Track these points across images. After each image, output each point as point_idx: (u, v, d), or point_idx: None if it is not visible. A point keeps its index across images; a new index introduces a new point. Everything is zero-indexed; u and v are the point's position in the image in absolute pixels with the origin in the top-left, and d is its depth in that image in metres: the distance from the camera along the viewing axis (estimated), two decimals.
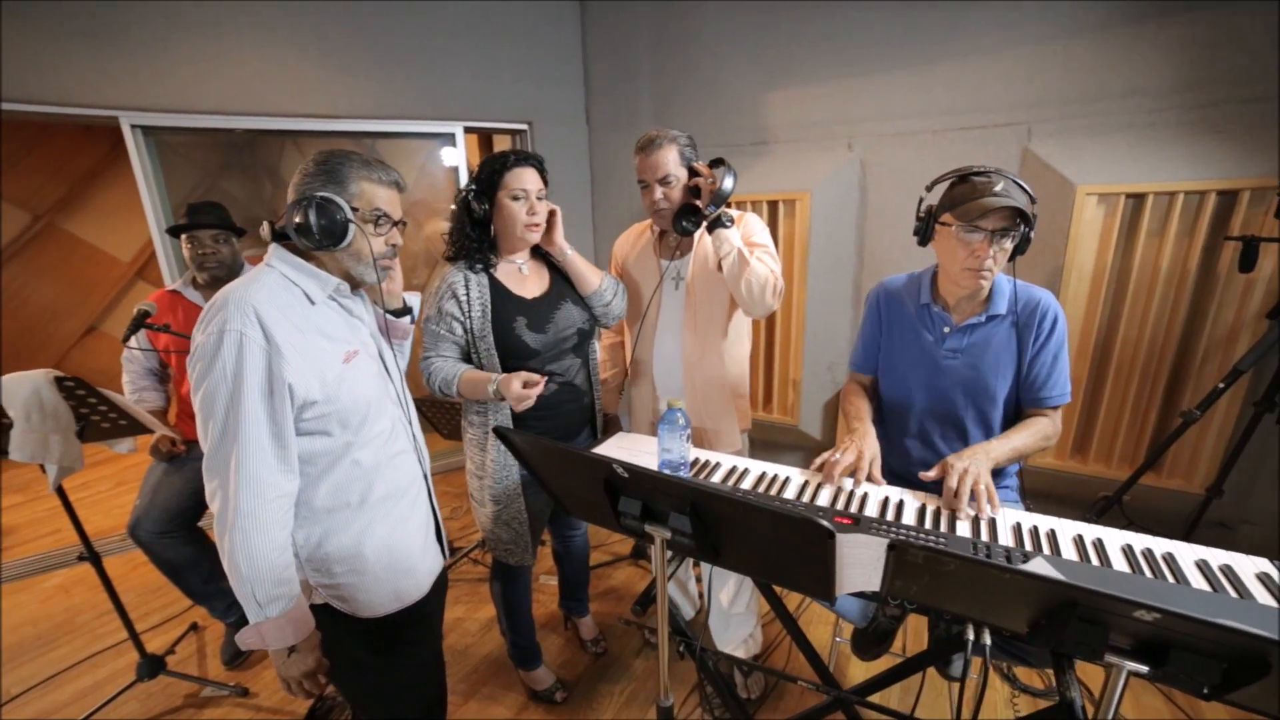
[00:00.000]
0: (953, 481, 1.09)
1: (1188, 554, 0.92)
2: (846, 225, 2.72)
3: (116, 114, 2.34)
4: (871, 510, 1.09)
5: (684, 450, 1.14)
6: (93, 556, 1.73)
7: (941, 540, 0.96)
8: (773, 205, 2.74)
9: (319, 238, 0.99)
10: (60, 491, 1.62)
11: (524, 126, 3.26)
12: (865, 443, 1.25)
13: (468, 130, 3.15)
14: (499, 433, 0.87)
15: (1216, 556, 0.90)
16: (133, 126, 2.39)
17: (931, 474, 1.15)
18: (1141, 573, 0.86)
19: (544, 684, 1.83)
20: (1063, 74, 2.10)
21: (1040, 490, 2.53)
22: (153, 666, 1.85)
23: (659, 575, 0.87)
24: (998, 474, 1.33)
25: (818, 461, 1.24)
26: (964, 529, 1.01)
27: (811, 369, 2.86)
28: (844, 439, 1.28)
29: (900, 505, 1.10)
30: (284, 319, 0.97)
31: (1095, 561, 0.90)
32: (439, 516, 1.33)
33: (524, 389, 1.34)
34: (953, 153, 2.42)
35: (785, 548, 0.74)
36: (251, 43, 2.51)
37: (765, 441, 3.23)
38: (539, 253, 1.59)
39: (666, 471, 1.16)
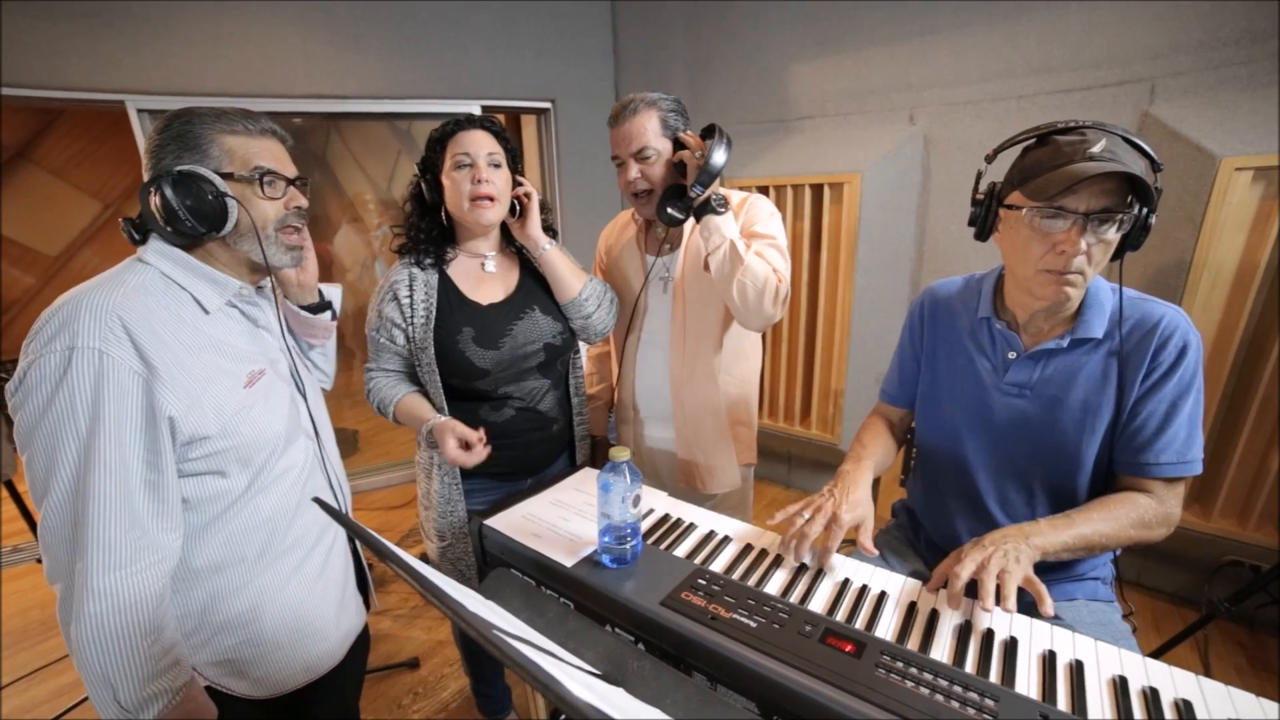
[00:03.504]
0: (963, 569, 0.74)
1: None
2: (905, 213, 2.29)
3: (122, 98, 2.29)
4: (886, 625, 0.76)
5: (628, 514, 0.85)
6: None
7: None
8: (816, 189, 2.34)
9: (192, 224, 0.76)
10: (11, 487, 1.54)
11: (547, 105, 3.01)
12: (846, 499, 0.90)
13: (486, 109, 2.93)
14: (320, 503, 0.62)
15: None
16: (139, 111, 2.33)
17: (940, 578, 0.80)
18: None
19: None
20: (1212, 6, 1.59)
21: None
22: None
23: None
24: (1079, 561, 0.95)
25: (779, 516, 0.92)
26: (1027, 678, 0.66)
27: (857, 380, 2.46)
28: (824, 489, 0.94)
29: (932, 620, 0.75)
30: (163, 332, 0.75)
31: None
32: (363, 560, 1.11)
33: (462, 451, 1.10)
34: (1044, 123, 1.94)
35: None
36: (256, 21, 2.39)
37: (802, 459, 2.87)
38: (515, 246, 1.32)
39: (608, 541, 0.88)
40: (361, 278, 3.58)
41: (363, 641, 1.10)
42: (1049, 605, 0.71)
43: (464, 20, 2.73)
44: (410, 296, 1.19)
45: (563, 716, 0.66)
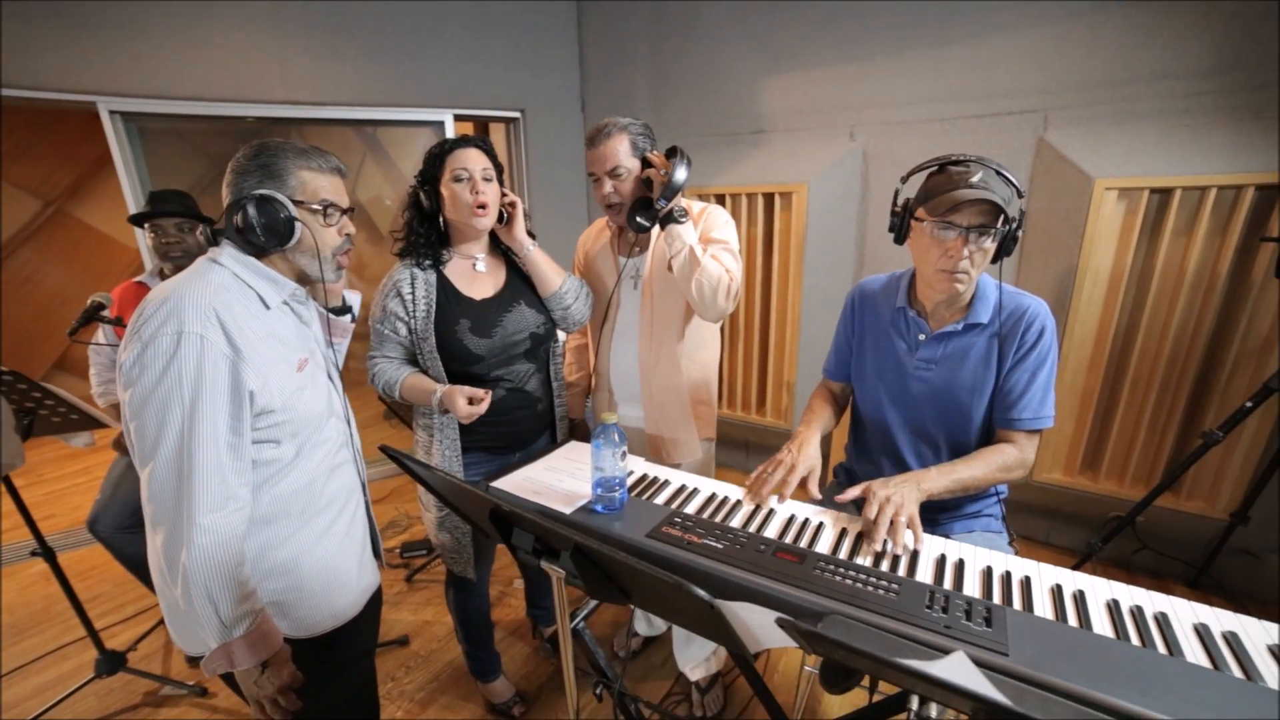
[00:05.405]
0: (871, 511, 0.97)
1: (1187, 615, 0.78)
2: (847, 220, 2.56)
3: (94, 99, 2.30)
4: (825, 543, 0.97)
5: (618, 467, 1.03)
6: (46, 552, 1.69)
7: (888, 592, 0.83)
8: (768, 198, 2.59)
9: (263, 238, 0.94)
10: (9, 483, 1.59)
11: (516, 114, 3.15)
12: (802, 453, 1.14)
13: (458, 118, 3.05)
14: (385, 451, 0.78)
15: (1221, 620, 0.76)
16: (111, 112, 2.34)
17: (851, 493, 1.03)
18: (1127, 638, 0.73)
19: (501, 697, 1.76)
20: (1086, 55, 1.91)
21: (1046, 507, 2.36)
22: (112, 663, 1.82)
23: (560, 615, 0.77)
24: (972, 500, 1.20)
25: (752, 476, 1.14)
26: (925, 573, 0.88)
27: (806, 371, 2.72)
28: (784, 446, 1.17)
29: (858, 541, 0.97)
30: (242, 322, 0.92)
31: (1074, 620, 0.77)
32: (375, 529, 1.26)
33: (470, 405, 1.26)
34: (962, 143, 2.24)
35: (685, 606, 0.63)
36: (234, 26, 2.44)
37: (760, 446, 3.10)
38: (501, 249, 1.48)
39: (600, 491, 1.06)
40: None
41: (377, 596, 1.24)
42: (920, 541, 0.95)
43: (438, 31, 2.84)
44: (412, 293, 1.34)
45: (581, 619, 0.83)
